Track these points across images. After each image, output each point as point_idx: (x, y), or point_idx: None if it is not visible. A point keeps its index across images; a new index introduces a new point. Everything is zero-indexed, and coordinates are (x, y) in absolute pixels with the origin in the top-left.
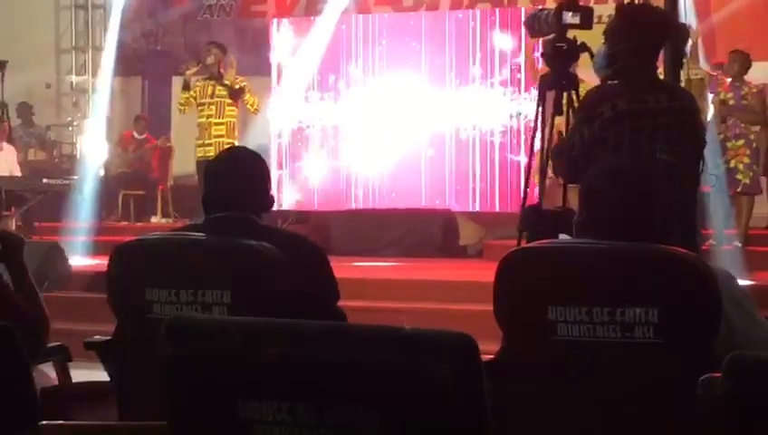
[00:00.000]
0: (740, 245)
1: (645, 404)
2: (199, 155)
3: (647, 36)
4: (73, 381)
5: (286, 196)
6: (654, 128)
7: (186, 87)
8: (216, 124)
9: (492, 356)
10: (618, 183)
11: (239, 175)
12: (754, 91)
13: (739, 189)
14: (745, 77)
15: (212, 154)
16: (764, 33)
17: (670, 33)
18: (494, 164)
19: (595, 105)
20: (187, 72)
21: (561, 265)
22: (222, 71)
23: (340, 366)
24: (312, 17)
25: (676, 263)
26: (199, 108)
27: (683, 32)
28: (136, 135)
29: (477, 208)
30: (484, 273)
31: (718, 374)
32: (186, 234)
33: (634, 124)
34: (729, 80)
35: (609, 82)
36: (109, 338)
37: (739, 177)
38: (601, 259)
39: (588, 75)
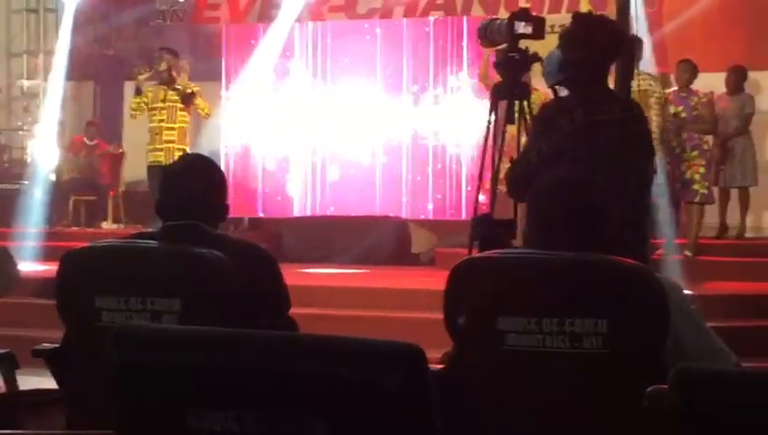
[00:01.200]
0: (690, 254)
1: (593, 414)
2: (150, 160)
3: (602, 47)
4: (21, 388)
5: (237, 203)
6: (610, 139)
7: (138, 92)
8: (168, 129)
9: (441, 365)
10: (562, 193)
11: (195, 183)
12: (704, 100)
13: (696, 199)
14: (692, 87)
15: (162, 159)
16: (713, 46)
17: (623, 44)
18: (446, 173)
19: (553, 118)
20: (139, 78)
21: (510, 276)
22: (174, 75)
23: (289, 376)
24: (265, 23)
25: (624, 273)
26: (151, 113)
27: (635, 43)
28: (87, 141)
29: (430, 217)
30: (436, 281)
31: (665, 386)
32: (136, 241)
33: (591, 136)
34: (674, 89)
35: (560, 90)
36: (57, 346)
37: (696, 187)
38: (550, 269)
39: (540, 84)
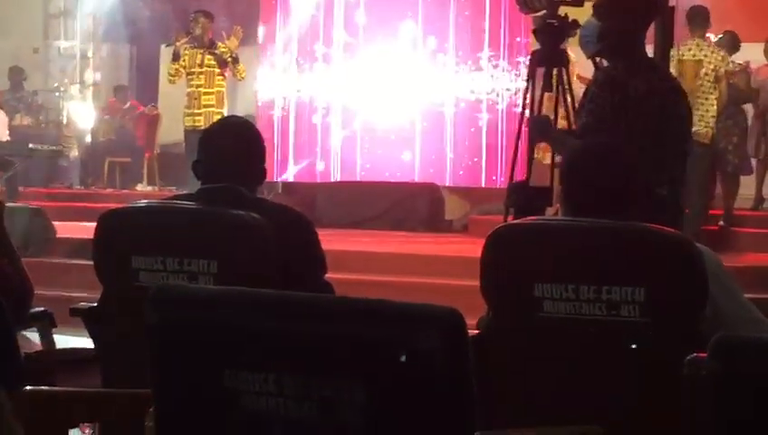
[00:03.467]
0: (724, 224)
1: (630, 382)
2: (188, 124)
3: (638, 13)
4: (57, 347)
5: (271, 167)
6: (648, 111)
7: (176, 57)
8: (206, 94)
9: (477, 331)
10: (596, 162)
11: (233, 145)
12: (737, 69)
13: (729, 169)
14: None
15: (201, 124)
16: (753, 15)
17: (660, 11)
18: (482, 139)
19: (599, 93)
20: (177, 44)
21: (548, 243)
22: (212, 38)
23: (327, 339)
24: None
25: (662, 241)
26: (188, 77)
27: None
28: (120, 103)
29: (464, 183)
30: (470, 247)
31: (704, 354)
32: (174, 202)
33: (632, 109)
34: None
35: (600, 61)
36: (94, 305)
37: (729, 157)
38: (587, 237)
39: (575, 52)
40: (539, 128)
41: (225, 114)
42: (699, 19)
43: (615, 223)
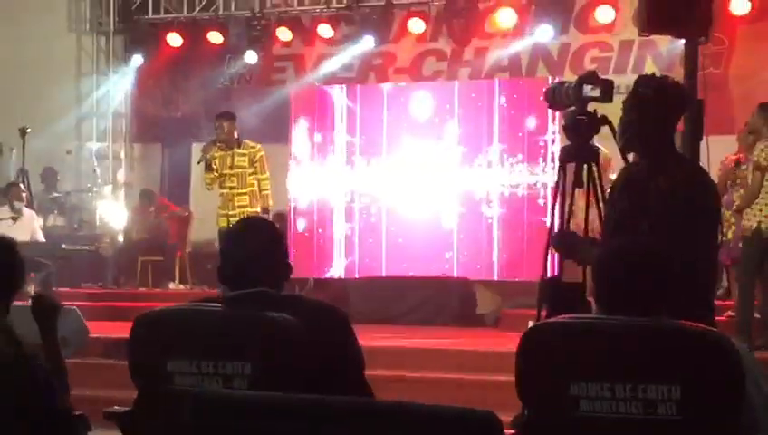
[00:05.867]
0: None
1: None
2: (222, 224)
3: (666, 109)
4: None
5: (302, 263)
6: (675, 205)
7: (208, 168)
8: (239, 194)
9: (513, 431)
10: (627, 261)
11: (254, 244)
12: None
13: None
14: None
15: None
16: None
17: (687, 106)
18: (514, 234)
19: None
20: (207, 156)
21: (583, 341)
22: (237, 137)
23: None
24: (331, 85)
25: (698, 339)
26: (221, 179)
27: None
28: (148, 207)
29: (495, 277)
30: (502, 342)
31: None
32: (207, 305)
33: (659, 203)
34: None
35: (629, 155)
36: (129, 409)
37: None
38: (623, 335)
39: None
40: (564, 246)
41: (260, 213)
42: None
43: (649, 320)
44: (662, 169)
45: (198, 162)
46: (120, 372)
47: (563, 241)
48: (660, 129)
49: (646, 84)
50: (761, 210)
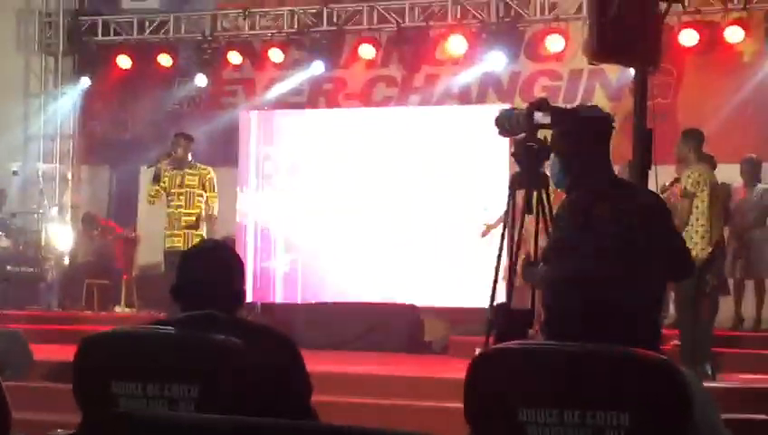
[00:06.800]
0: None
1: None
2: (167, 245)
3: (591, 138)
4: None
5: (250, 288)
6: (619, 232)
7: (156, 179)
8: (186, 214)
9: None
10: (575, 288)
11: (212, 269)
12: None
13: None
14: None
15: (180, 244)
16: (728, 137)
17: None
18: (463, 260)
19: (566, 216)
20: (159, 165)
21: (532, 367)
22: (191, 159)
23: None
24: (281, 110)
25: (648, 366)
26: (169, 198)
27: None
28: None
29: (443, 304)
30: (450, 369)
31: None
32: (154, 328)
33: (602, 231)
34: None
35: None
36: (72, 432)
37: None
38: (571, 361)
39: None
40: (525, 271)
41: (205, 235)
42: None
43: (598, 347)
44: (604, 195)
45: (149, 166)
46: (65, 396)
47: (525, 266)
48: (587, 157)
49: (560, 118)
50: (691, 238)
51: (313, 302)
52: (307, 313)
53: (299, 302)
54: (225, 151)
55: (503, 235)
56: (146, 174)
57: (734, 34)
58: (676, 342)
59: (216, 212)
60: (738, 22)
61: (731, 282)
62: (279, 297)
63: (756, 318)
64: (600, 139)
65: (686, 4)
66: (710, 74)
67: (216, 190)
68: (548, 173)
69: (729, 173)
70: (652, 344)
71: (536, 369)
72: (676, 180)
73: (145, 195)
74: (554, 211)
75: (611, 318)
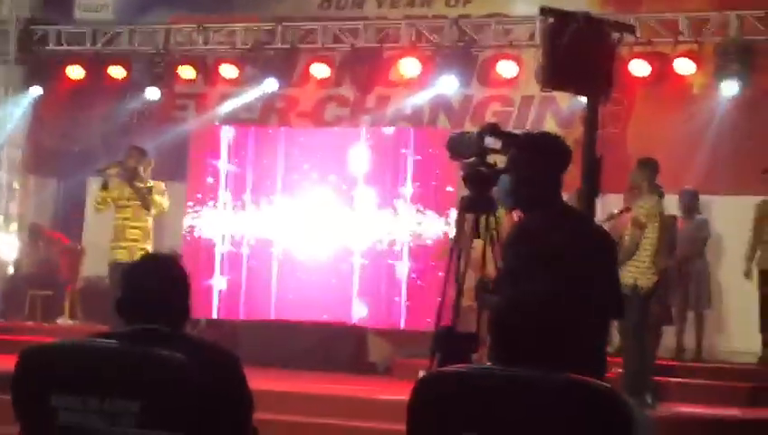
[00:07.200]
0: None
1: None
2: (112, 258)
3: (545, 164)
4: None
5: (195, 302)
6: (567, 256)
7: (104, 186)
8: (132, 227)
9: None
10: (523, 312)
11: (157, 284)
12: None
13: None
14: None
15: (124, 257)
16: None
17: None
18: (408, 283)
19: (513, 244)
20: (108, 171)
21: (475, 391)
22: (140, 174)
23: None
24: (231, 125)
25: (592, 394)
26: (116, 210)
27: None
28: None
29: (389, 326)
30: (393, 390)
31: None
32: (95, 341)
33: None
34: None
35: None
36: None
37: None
38: (513, 386)
39: None
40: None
41: (150, 249)
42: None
43: (543, 373)
44: (555, 223)
45: (98, 171)
46: (3, 407)
47: (480, 285)
48: (539, 184)
49: (515, 143)
50: (637, 267)
51: (258, 319)
52: (252, 329)
53: (238, 318)
54: (174, 166)
55: (450, 257)
56: (94, 183)
57: (684, 66)
58: (619, 369)
59: (166, 207)
60: (689, 54)
61: (674, 311)
62: (221, 313)
63: (697, 349)
64: (556, 165)
65: (638, 35)
66: (660, 105)
67: (166, 198)
68: (495, 198)
69: (668, 204)
70: (597, 372)
71: (478, 392)
72: (627, 209)
73: (92, 202)
74: (503, 236)
75: (557, 345)
